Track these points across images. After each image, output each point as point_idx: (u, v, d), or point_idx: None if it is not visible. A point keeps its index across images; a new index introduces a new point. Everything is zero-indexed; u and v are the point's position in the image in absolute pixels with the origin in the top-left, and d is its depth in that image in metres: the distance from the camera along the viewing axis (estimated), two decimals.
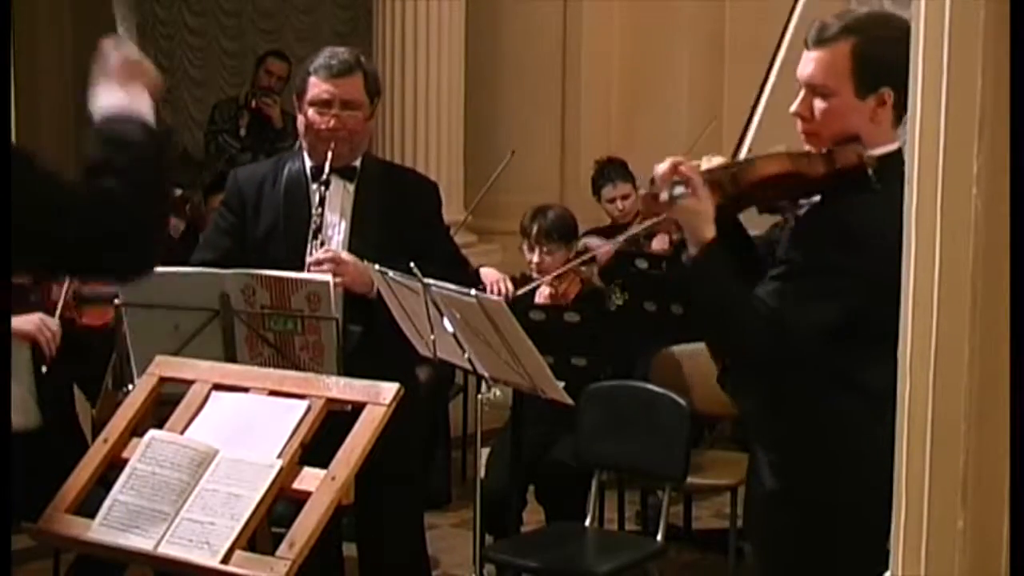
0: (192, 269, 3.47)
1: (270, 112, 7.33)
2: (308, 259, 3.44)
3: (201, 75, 9.78)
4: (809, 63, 2.58)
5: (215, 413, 2.56)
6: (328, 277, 3.24)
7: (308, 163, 3.62)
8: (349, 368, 3.17)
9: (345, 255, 3.48)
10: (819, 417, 2.57)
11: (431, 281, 3.18)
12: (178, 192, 7.01)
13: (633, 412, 4.12)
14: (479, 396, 3.58)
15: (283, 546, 2.28)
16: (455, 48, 6.93)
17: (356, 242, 3.56)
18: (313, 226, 3.50)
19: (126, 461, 2.49)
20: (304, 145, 3.65)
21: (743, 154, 2.61)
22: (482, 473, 4.16)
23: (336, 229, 3.61)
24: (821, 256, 2.50)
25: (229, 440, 2.46)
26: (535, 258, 4.93)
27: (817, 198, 2.60)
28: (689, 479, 4.10)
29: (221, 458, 2.42)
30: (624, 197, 6.09)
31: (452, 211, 5.98)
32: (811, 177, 2.55)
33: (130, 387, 3.23)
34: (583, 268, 5.09)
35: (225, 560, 2.27)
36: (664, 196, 2.48)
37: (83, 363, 4.22)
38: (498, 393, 3.29)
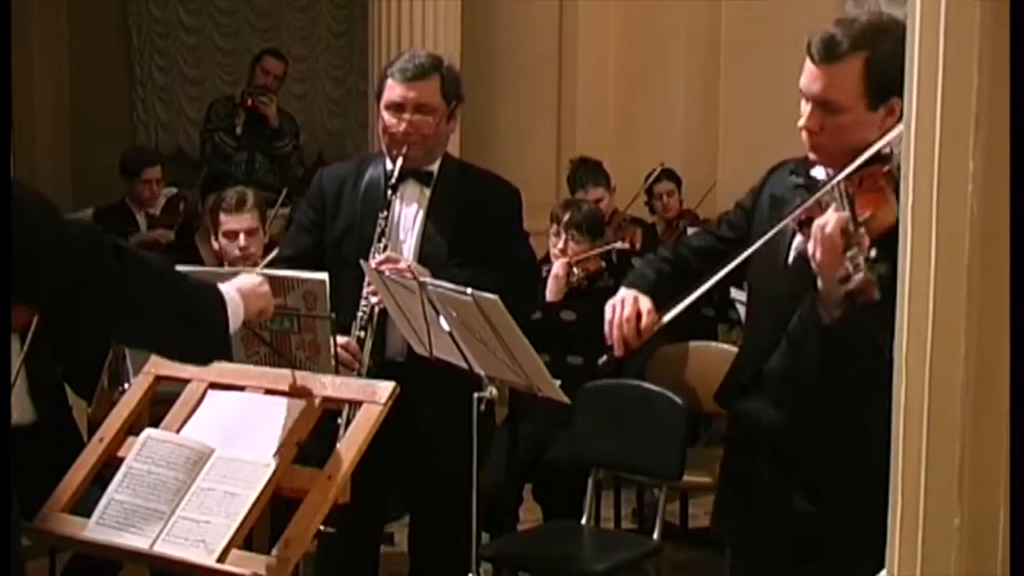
0: (188, 269, 3.46)
1: (266, 111, 7.32)
2: (371, 261, 3.44)
3: (197, 74, 9.77)
4: (818, 79, 2.54)
5: (211, 412, 2.56)
6: (324, 275, 3.24)
7: (388, 165, 3.61)
8: (413, 373, 3.25)
9: (404, 261, 3.47)
10: (870, 440, 2.52)
11: (427, 279, 3.17)
12: (173, 191, 7.01)
13: (630, 410, 4.11)
14: (475, 395, 3.56)
15: (279, 544, 2.27)
16: (451, 46, 6.92)
17: (428, 246, 3.55)
18: (378, 229, 3.50)
19: (122, 460, 2.48)
20: (382, 147, 3.64)
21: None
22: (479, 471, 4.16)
23: (410, 233, 3.60)
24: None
25: (225, 439, 2.46)
26: (560, 244, 5.00)
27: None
28: (685, 477, 4.10)
29: (217, 457, 2.41)
30: (597, 201, 6.09)
31: None
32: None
33: (126, 386, 3.22)
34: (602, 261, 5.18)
35: (221, 559, 2.27)
36: (860, 271, 2.34)
37: (73, 357, 4.20)
38: (494, 391, 3.28)
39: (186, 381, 2.62)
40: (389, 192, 3.53)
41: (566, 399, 3.37)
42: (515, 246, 3.70)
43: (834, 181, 2.48)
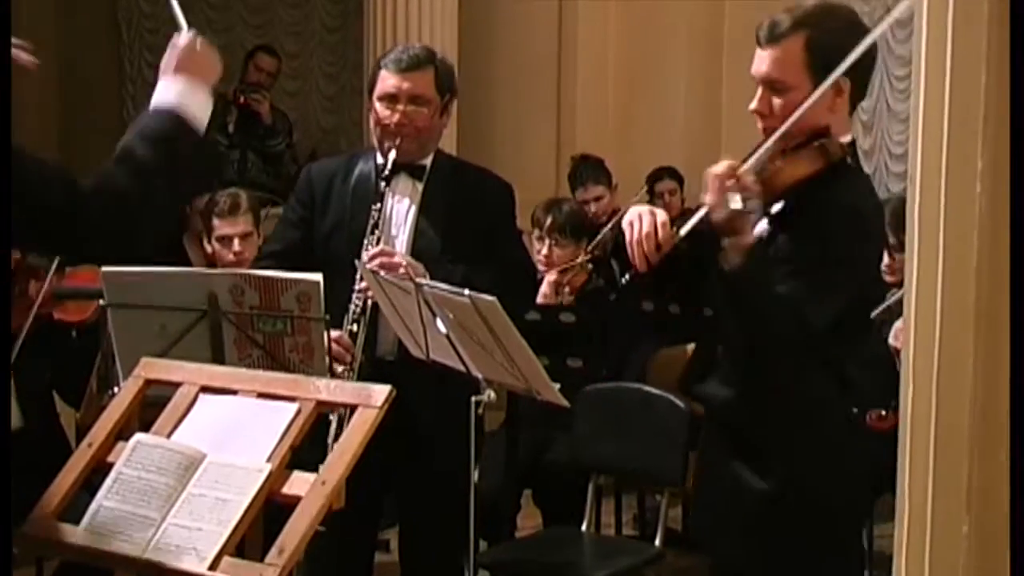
0: (179, 269, 3.46)
1: (259, 108, 7.32)
2: (363, 255, 3.45)
3: None
4: (764, 60, 2.65)
5: (202, 416, 2.55)
6: (318, 276, 3.24)
7: (379, 159, 3.61)
8: (404, 372, 3.24)
9: (399, 255, 3.48)
10: (813, 411, 2.62)
11: (423, 280, 3.17)
12: None
13: (630, 414, 4.11)
14: (473, 398, 3.57)
15: (272, 552, 2.27)
16: (448, 44, 6.92)
17: (420, 241, 3.56)
18: (371, 222, 3.51)
19: (111, 465, 2.48)
20: (374, 140, 3.65)
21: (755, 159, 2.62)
22: (476, 477, 4.15)
23: (401, 228, 3.60)
24: (838, 246, 2.55)
25: (217, 444, 2.45)
26: (544, 250, 4.95)
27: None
28: (688, 482, 4.10)
29: (209, 462, 2.41)
30: (597, 199, 6.08)
31: None
32: (816, 172, 2.60)
33: (115, 389, 3.22)
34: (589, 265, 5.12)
35: (213, 566, 2.26)
36: (743, 211, 2.49)
37: (58, 359, 4.20)
38: (492, 395, 3.28)
39: (177, 384, 2.61)
40: (382, 184, 3.53)
41: (565, 403, 3.37)
42: (509, 244, 3.70)
43: (767, 138, 2.59)
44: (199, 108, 2.36)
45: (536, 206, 5.13)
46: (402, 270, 3.40)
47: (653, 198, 7.01)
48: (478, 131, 7.40)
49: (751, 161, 2.59)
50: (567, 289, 4.91)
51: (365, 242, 3.50)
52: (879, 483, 4.31)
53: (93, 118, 9.35)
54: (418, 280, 3.16)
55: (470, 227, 3.57)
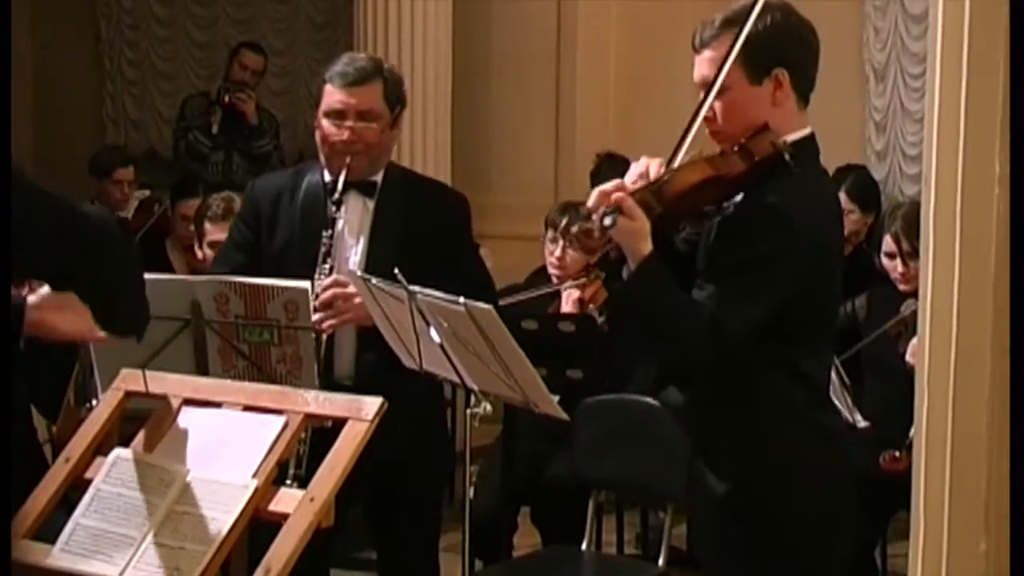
0: (160, 276, 3.46)
1: (244, 108, 7.32)
2: (315, 286, 3.43)
3: (169, 68, 9.76)
4: (700, 65, 2.74)
5: (185, 430, 2.55)
6: (306, 284, 3.23)
7: (327, 176, 3.60)
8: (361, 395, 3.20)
9: (351, 287, 3.45)
10: (766, 411, 2.68)
11: (417, 288, 3.17)
12: (146, 193, 7.00)
13: (633, 427, 4.11)
14: (468, 411, 3.57)
15: (258, 572, 2.27)
16: (442, 41, 6.93)
17: (374, 263, 3.53)
18: (322, 250, 3.49)
19: (89, 482, 2.48)
20: (321, 158, 3.63)
21: (678, 161, 2.70)
22: (471, 493, 4.15)
23: (354, 250, 3.59)
24: (755, 247, 2.61)
25: (200, 459, 2.45)
26: (557, 252, 4.96)
27: (739, 196, 2.70)
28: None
29: (192, 478, 2.41)
30: None
31: None
32: (733, 176, 2.65)
33: (94, 402, 3.22)
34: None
35: None
36: (597, 228, 2.62)
37: (34, 370, 4.19)
38: (488, 408, 3.28)
39: (159, 397, 2.61)
40: (332, 208, 3.52)
41: (565, 415, 3.37)
42: (467, 260, 3.70)
43: (681, 150, 2.68)
44: None
45: (551, 209, 5.16)
46: (357, 300, 3.40)
47: None
48: (473, 134, 7.41)
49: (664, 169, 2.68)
50: (591, 306, 4.90)
51: (316, 271, 3.48)
52: (889, 501, 4.32)
53: (70, 119, 9.35)
54: (411, 288, 3.16)
55: (425, 245, 3.55)
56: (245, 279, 3.28)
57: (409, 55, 6.81)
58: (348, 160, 3.51)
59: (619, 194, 2.62)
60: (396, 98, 3.61)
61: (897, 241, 4.61)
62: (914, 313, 4.38)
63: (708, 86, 2.70)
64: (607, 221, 2.59)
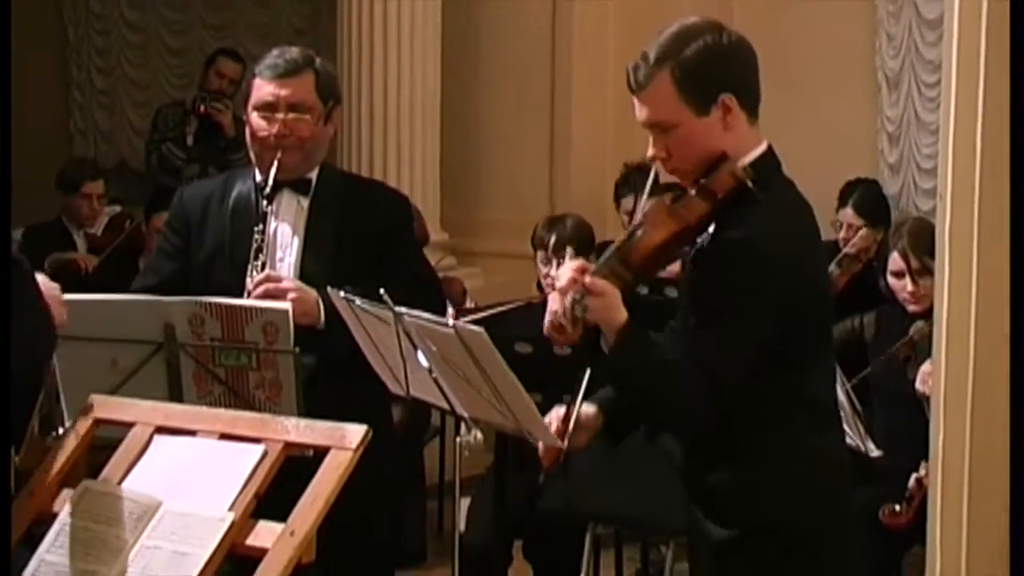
0: (132, 296, 3.46)
1: (220, 119, 7.33)
2: (247, 283, 3.45)
3: (142, 76, 9.77)
4: (641, 109, 2.79)
5: (158, 460, 2.55)
6: (287, 305, 3.24)
7: (258, 177, 3.63)
8: (306, 407, 3.18)
9: (287, 280, 3.48)
10: (770, 452, 2.73)
11: (403, 309, 3.17)
12: (116, 209, 7.00)
13: (632, 457, 4.11)
14: (457, 439, 3.58)
15: None
16: (430, 47, 6.95)
17: (309, 264, 3.57)
18: (254, 246, 3.51)
19: (55, 516, 2.47)
20: (252, 156, 3.66)
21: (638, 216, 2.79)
22: (461, 526, 4.15)
23: (288, 250, 3.61)
24: (732, 288, 2.66)
25: (174, 490, 2.45)
26: (552, 271, 4.97)
27: (711, 228, 2.76)
28: None
29: (164, 511, 2.41)
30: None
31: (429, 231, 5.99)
32: (698, 220, 2.71)
33: (60, 431, 3.21)
34: None
35: None
36: (569, 322, 2.70)
37: None
38: (479, 436, 3.28)
39: (130, 425, 2.61)
40: (264, 203, 3.55)
41: (561, 444, 3.37)
42: (409, 260, 3.71)
43: (641, 206, 2.81)
44: None
45: (536, 225, 5.15)
46: (292, 295, 3.41)
47: None
48: (463, 146, 7.42)
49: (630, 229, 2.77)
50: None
51: (249, 267, 3.49)
52: (903, 536, 4.32)
53: (35, 130, 9.35)
54: (398, 308, 3.16)
55: (363, 245, 3.59)
56: (222, 300, 3.28)
57: (396, 62, 6.83)
58: (279, 155, 3.54)
59: (582, 277, 2.70)
60: (329, 92, 3.66)
61: (905, 258, 4.59)
62: (924, 336, 4.40)
63: (656, 127, 2.77)
64: (578, 311, 2.68)
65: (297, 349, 3.25)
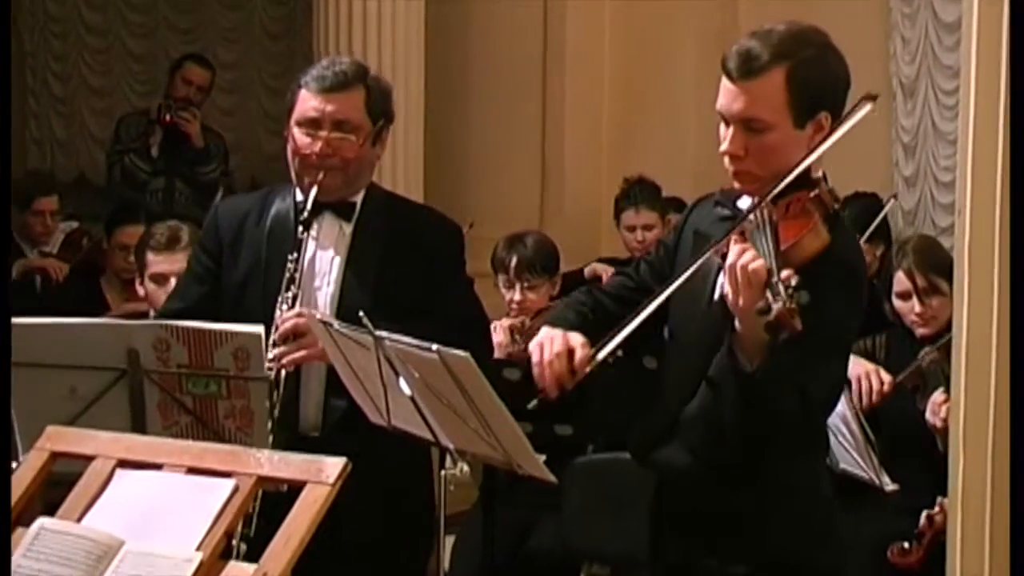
0: (91, 320, 3.45)
1: (187, 129, 7.34)
2: (276, 316, 3.43)
3: (103, 83, 9.80)
4: (738, 97, 2.75)
5: (120, 496, 2.54)
6: (259, 328, 3.23)
7: (299, 196, 3.59)
8: (331, 450, 3.17)
9: (313, 320, 3.40)
10: (794, 472, 2.77)
11: (384, 334, 3.17)
12: (73, 225, 7.00)
13: (629, 491, 4.10)
14: (442, 472, 3.58)
15: None
16: (413, 52, 6.96)
17: (349, 296, 3.52)
18: (287, 275, 3.47)
19: (8, 557, 2.47)
20: (292, 174, 3.62)
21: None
22: (447, 565, 4.14)
23: (326, 279, 3.58)
24: (831, 305, 2.65)
25: (137, 529, 2.45)
26: (516, 296, 4.94)
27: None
28: None
29: (127, 551, 2.40)
30: (647, 227, 6.14)
31: None
32: (828, 241, 2.68)
33: (14, 464, 3.21)
34: None
35: None
36: (793, 303, 2.50)
37: None
38: (465, 469, 3.28)
39: (90, 458, 2.61)
40: (300, 229, 3.50)
41: (552, 477, 3.37)
42: (457, 298, 3.65)
43: (755, 206, 2.68)
44: None
45: (496, 245, 5.13)
46: (320, 344, 3.36)
47: None
48: (449, 158, 7.43)
49: (768, 245, 2.64)
50: (525, 338, 4.90)
51: (279, 300, 3.46)
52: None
53: None
54: (378, 332, 3.17)
55: (408, 278, 3.55)
56: (188, 323, 3.28)
57: (376, 68, 6.77)
58: (320, 176, 3.50)
59: (781, 263, 2.58)
60: (381, 110, 3.62)
61: (911, 277, 4.59)
62: (933, 363, 4.41)
63: (747, 123, 2.74)
64: (805, 297, 2.51)
65: (271, 375, 3.25)
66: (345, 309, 3.49)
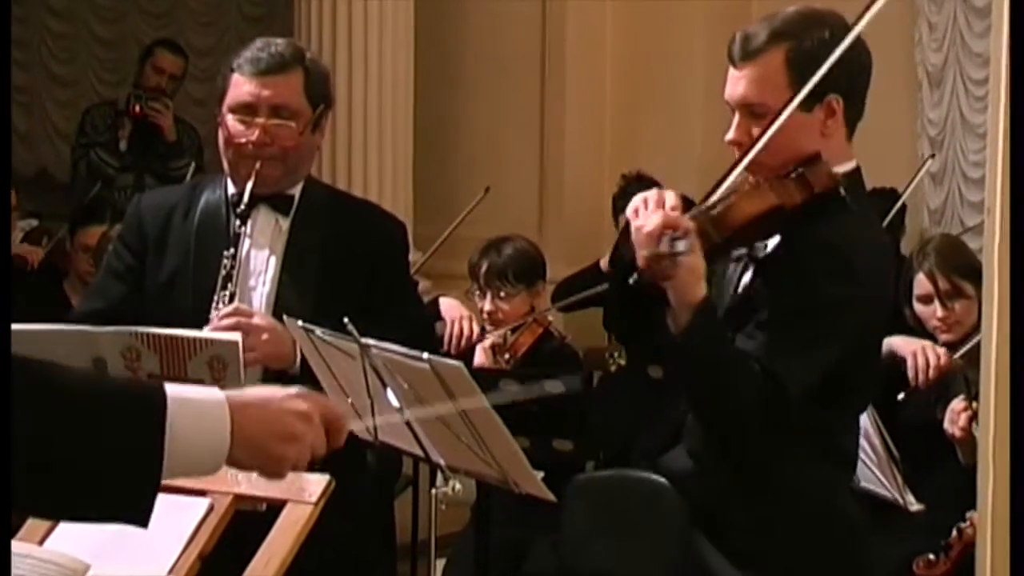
0: (56, 326, 3.45)
1: (159, 120, 7.34)
2: (212, 316, 3.42)
3: (67, 72, 9.79)
4: (739, 82, 2.82)
5: None
6: (237, 336, 3.24)
7: (231, 189, 3.60)
8: None
9: (258, 316, 3.45)
10: (797, 490, 2.80)
11: (371, 341, 3.18)
12: (33, 223, 7.00)
13: (632, 509, 4.11)
14: (433, 491, 3.58)
15: None
16: (402, 38, 6.95)
17: (286, 296, 3.53)
18: (223, 272, 3.47)
19: None
20: (224, 165, 3.62)
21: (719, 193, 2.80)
22: None
23: (262, 278, 3.59)
24: (816, 293, 2.71)
25: (104, 551, 2.45)
26: (487, 305, 4.95)
27: (776, 237, 2.82)
28: None
29: (93, 575, 2.40)
30: None
31: None
32: (792, 205, 2.75)
33: None
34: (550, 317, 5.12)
35: None
36: (666, 252, 2.63)
37: None
38: (458, 487, 3.29)
39: None
40: (237, 223, 3.50)
41: (551, 496, 3.38)
42: (403, 298, 3.69)
43: (731, 175, 2.78)
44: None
45: (474, 253, 5.14)
46: (264, 335, 3.39)
47: None
48: (439, 153, 7.43)
49: (713, 198, 2.75)
50: (507, 356, 4.90)
51: (215, 297, 3.46)
52: None
53: None
54: (364, 340, 3.17)
55: (350, 277, 3.56)
56: (161, 331, 3.28)
57: (362, 58, 6.83)
58: (257, 166, 3.50)
59: (684, 219, 2.67)
60: (320, 94, 3.62)
61: (932, 279, 4.60)
62: (956, 370, 4.42)
63: (749, 108, 2.79)
64: (680, 246, 2.61)
65: (244, 388, 3.25)
66: (282, 310, 3.49)
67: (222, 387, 3.17)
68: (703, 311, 2.68)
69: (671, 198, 2.76)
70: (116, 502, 1.96)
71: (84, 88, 9.58)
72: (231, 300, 3.46)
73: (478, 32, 7.61)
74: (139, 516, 1.98)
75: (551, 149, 7.69)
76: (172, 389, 1.99)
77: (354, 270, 3.58)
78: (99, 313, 3.52)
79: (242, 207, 3.50)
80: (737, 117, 2.83)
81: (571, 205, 7.46)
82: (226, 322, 3.39)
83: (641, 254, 2.65)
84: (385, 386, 3.19)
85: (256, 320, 3.43)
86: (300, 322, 3.39)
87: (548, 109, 7.70)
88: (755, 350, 2.70)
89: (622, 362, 4.81)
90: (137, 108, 7.32)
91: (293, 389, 2.09)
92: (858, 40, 2.81)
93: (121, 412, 1.94)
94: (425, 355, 3.02)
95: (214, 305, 3.45)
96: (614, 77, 7.84)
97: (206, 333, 3.29)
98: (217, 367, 3.22)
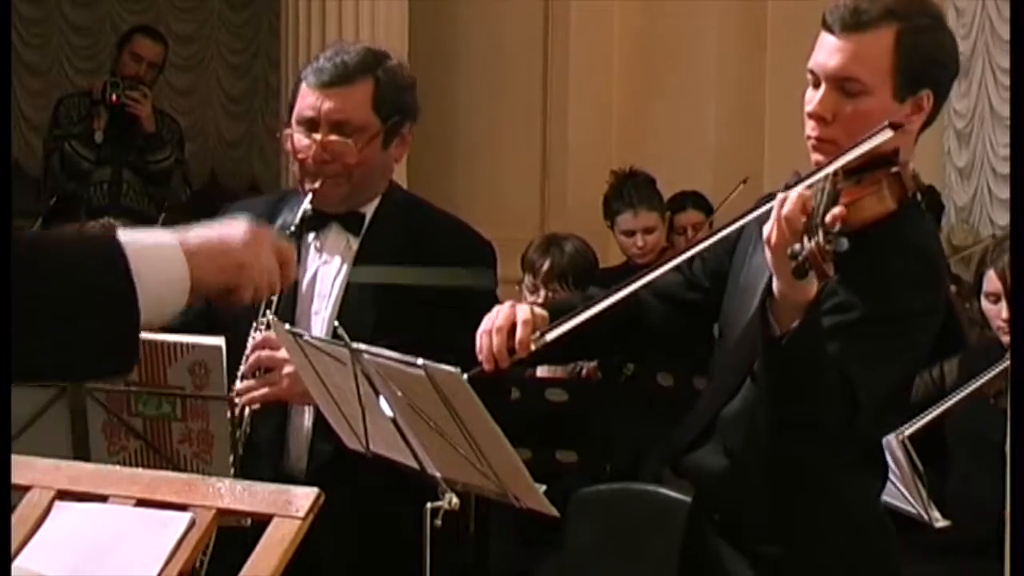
0: None
1: (137, 111, 7.34)
2: (249, 341, 3.42)
3: (39, 59, 9.80)
4: (837, 53, 2.76)
5: (60, 531, 2.55)
6: (220, 340, 3.24)
7: (307, 205, 3.53)
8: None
9: (283, 351, 3.37)
10: (838, 495, 2.83)
11: (362, 347, 3.18)
12: None
13: (640, 525, 4.12)
14: (428, 506, 3.58)
15: None
16: (395, 23, 6.97)
17: (348, 320, 3.42)
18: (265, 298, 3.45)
19: None
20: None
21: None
22: None
23: (325, 303, 3.55)
24: (905, 300, 2.72)
25: (80, 569, 2.46)
26: (539, 300, 4.97)
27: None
28: None
29: None
30: (648, 231, 6.10)
31: None
32: (891, 211, 2.73)
33: None
34: None
35: None
36: (829, 252, 2.54)
37: None
38: (454, 501, 3.30)
39: (25, 489, 2.62)
40: (294, 240, 3.41)
41: (554, 511, 3.38)
42: (459, 330, 3.60)
43: (827, 170, 2.69)
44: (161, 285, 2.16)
45: (529, 245, 5.17)
46: (287, 368, 3.37)
47: (673, 233, 7.05)
48: (437, 152, 7.43)
49: (821, 196, 2.66)
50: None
51: (253, 325, 3.44)
52: None
53: None
54: (355, 345, 3.17)
55: (418, 299, 3.49)
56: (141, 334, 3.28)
57: (353, 41, 6.82)
58: (318, 184, 3.44)
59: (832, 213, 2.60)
60: (394, 106, 3.54)
61: (1003, 279, 4.62)
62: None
63: (842, 83, 2.75)
64: (844, 244, 2.53)
65: (233, 395, 3.26)
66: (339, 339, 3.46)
67: (204, 394, 3.20)
68: (813, 309, 2.63)
69: (524, 312, 2.88)
70: (101, 348, 2.15)
71: (57, 77, 9.59)
72: (268, 329, 3.42)
73: (476, 21, 7.62)
74: (124, 361, 2.19)
75: (554, 140, 7.71)
76: (124, 235, 2.13)
77: (422, 297, 3.51)
78: (177, 328, 3.50)
79: (292, 228, 3.44)
80: (823, 89, 2.78)
81: (575, 200, 7.47)
82: (251, 359, 3.41)
83: (807, 247, 2.54)
84: (378, 394, 3.19)
85: (281, 353, 3.38)
86: (287, 326, 3.39)
87: (551, 97, 7.72)
88: (833, 353, 2.67)
89: (628, 373, 4.82)
90: (114, 97, 7.32)
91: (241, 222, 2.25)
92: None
93: (87, 258, 2.12)
94: (420, 361, 3.02)
95: (252, 332, 3.44)
96: (621, 68, 7.84)
97: (185, 337, 3.28)
98: (199, 373, 3.22)
